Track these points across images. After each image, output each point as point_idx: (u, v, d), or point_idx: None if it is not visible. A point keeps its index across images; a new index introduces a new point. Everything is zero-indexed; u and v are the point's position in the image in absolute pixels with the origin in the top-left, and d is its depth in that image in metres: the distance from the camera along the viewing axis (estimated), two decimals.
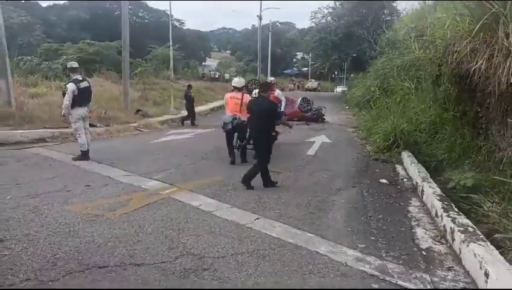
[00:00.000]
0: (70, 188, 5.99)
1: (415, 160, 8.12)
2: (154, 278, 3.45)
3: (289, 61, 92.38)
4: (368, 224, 5.10)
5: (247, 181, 6.45)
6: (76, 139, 8.22)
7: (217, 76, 41.95)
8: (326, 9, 37.16)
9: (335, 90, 52.85)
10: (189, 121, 16.54)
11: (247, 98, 8.25)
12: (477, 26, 5.87)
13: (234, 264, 3.79)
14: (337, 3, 36.02)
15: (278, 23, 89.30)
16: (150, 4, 66.95)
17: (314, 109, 18.96)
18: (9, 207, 4.99)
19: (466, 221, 4.47)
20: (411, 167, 7.74)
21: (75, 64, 8.53)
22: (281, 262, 3.87)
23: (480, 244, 3.78)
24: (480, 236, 4.01)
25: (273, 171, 7.76)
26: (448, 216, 4.65)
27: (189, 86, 17.98)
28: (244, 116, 7.97)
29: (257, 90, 9.07)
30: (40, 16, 59.87)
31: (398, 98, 12.48)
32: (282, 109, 10.75)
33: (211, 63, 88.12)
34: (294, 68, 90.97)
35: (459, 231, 4.18)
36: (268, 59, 45.18)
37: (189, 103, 16.91)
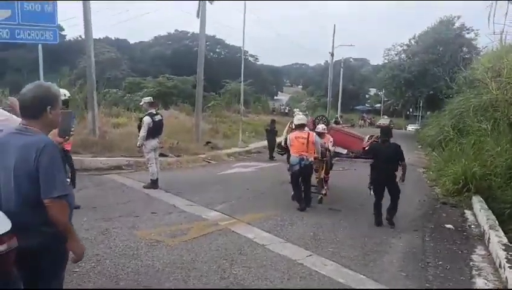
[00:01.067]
0: (138, 214, 6.46)
1: (485, 206, 7.70)
2: None
3: (361, 97, 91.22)
4: (425, 270, 4.96)
5: (391, 219, 6.88)
6: (148, 168, 8.81)
7: (286, 110, 42.58)
8: (400, 46, 36.68)
9: (407, 128, 51.25)
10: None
11: (313, 136, 7.78)
12: None
13: None
14: (412, 40, 35.43)
15: (351, 59, 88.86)
16: (227, 41, 69.70)
17: None
18: (84, 228, 5.50)
19: None
20: (480, 213, 7.35)
21: (151, 100, 9.26)
22: None
23: None
24: None
25: (333, 209, 7.81)
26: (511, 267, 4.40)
27: (273, 121, 18.37)
28: (311, 156, 7.62)
29: (322, 126, 9.32)
30: (127, 52, 65.12)
31: (473, 140, 11.91)
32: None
33: (283, 97, 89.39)
34: (366, 104, 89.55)
35: None
36: (339, 95, 45.17)
37: (271, 137, 17.16)
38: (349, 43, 64.78)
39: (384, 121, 58.49)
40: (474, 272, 4.93)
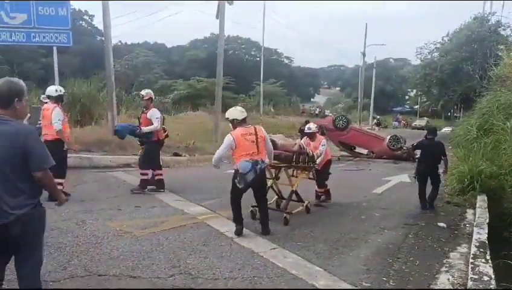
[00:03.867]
0: (122, 208, 6.64)
1: (485, 205, 7.37)
2: None
3: (400, 98, 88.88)
4: (391, 265, 4.81)
5: (432, 203, 7.99)
6: None
7: (316, 112, 42.28)
8: (434, 44, 35.50)
9: (443, 129, 49.54)
10: None
11: (263, 132, 5.74)
12: None
13: (222, 287, 3.90)
14: (445, 38, 34.24)
15: (391, 59, 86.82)
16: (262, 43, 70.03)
17: (405, 148, 18.05)
18: (62, 219, 5.71)
19: (488, 270, 4.00)
20: (477, 212, 7.05)
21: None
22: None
23: None
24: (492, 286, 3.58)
25: (320, 205, 7.71)
26: (473, 264, 4.21)
27: (307, 122, 18.35)
28: (265, 159, 5.78)
29: (311, 125, 8.20)
30: (164, 56, 66.83)
31: (493, 139, 11.39)
32: (318, 161, 7.33)
33: (319, 99, 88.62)
34: (405, 106, 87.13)
35: (471, 279, 3.78)
36: (372, 95, 44.35)
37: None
38: (383, 43, 62.99)
39: (419, 122, 56.93)
40: (443, 269, 4.74)
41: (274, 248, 5.11)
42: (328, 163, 8.12)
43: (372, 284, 4.20)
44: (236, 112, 5.74)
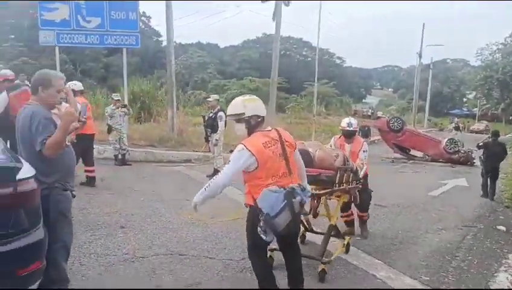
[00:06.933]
0: (189, 199, 7.14)
1: None
2: (217, 269, 4.20)
3: (457, 101, 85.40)
4: (449, 262, 4.97)
5: (492, 195, 9.23)
6: (216, 160, 9.50)
7: (369, 113, 41.71)
8: (495, 45, 34.06)
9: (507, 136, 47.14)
10: None
11: (287, 134, 3.50)
12: None
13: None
14: (508, 39, 32.73)
15: (449, 60, 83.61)
16: (315, 43, 70.03)
17: (462, 151, 17.60)
18: (139, 206, 6.35)
19: None
20: None
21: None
22: (331, 276, 4.21)
23: None
24: None
25: (379, 205, 7.87)
26: None
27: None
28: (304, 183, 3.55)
29: (350, 119, 5.73)
30: (217, 56, 68.32)
31: None
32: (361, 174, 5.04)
33: (372, 100, 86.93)
34: (464, 108, 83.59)
35: None
36: (427, 97, 43.10)
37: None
38: (441, 43, 60.58)
39: (478, 126, 54.49)
40: (501, 269, 4.85)
41: (334, 241, 5.39)
42: (367, 176, 5.61)
43: (431, 278, 4.40)
44: (254, 103, 3.37)
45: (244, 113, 3.30)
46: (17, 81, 8.44)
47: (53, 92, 3.09)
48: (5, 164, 2.52)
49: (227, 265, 4.33)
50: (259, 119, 3.32)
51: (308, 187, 3.58)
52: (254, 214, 3.25)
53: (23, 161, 2.71)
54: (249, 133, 3.33)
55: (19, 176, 2.48)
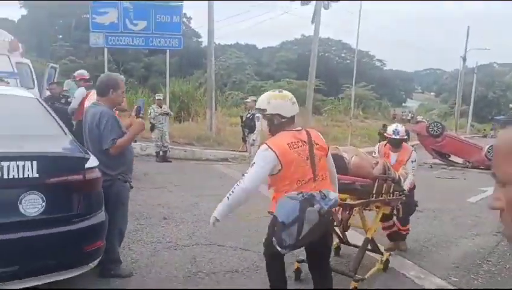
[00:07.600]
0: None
1: None
2: (253, 259, 4.49)
3: (503, 107, 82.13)
4: (480, 266, 5.04)
5: None
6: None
7: (408, 117, 40.87)
8: None
9: None
10: None
11: (319, 136, 3.18)
12: None
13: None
14: None
15: (495, 64, 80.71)
16: (354, 45, 69.36)
17: None
18: (180, 200, 6.76)
19: None
20: None
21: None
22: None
23: None
24: None
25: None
26: None
27: (384, 125, 18.49)
28: (332, 190, 3.08)
29: (398, 127, 5.31)
30: (255, 57, 68.83)
31: None
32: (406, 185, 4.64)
33: (412, 104, 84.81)
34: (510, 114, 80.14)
35: None
36: (471, 102, 41.89)
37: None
38: (486, 48, 58.70)
39: None
40: None
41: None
42: (413, 188, 5.19)
43: (461, 280, 4.51)
44: (280, 101, 3.02)
45: (266, 110, 3.02)
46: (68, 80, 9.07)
47: (120, 93, 3.49)
48: (76, 154, 2.90)
49: (262, 257, 4.59)
50: (283, 120, 2.99)
51: (333, 195, 2.95)
52: (273, 223, 3.01)
53: (89, 152, 3.09)
54: (272, 133, 3.11)
55: (87, 165, 2.85)
